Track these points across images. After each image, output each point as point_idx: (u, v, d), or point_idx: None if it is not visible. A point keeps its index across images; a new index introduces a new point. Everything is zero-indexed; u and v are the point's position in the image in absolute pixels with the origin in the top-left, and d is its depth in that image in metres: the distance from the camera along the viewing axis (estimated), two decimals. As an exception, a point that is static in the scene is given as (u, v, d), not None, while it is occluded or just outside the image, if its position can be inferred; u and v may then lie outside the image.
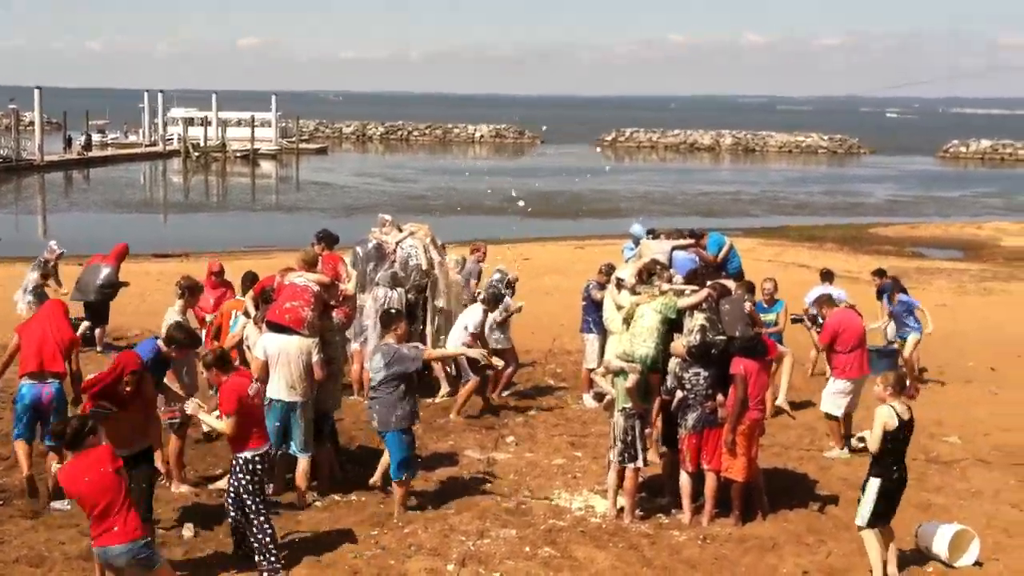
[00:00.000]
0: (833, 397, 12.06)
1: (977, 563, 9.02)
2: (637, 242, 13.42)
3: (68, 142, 70.83)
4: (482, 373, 12.99)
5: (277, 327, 9.91)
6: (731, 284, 10.55)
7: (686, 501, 9.80)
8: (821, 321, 12.67)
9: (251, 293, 11.22)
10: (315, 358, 9.84)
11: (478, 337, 12.99)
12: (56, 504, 9.64)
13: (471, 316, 13.24)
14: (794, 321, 14.43)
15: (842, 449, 11.86)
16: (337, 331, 10.71)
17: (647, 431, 9.85)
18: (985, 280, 26.59)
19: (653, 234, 12.61)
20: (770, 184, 65.47)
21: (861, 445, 9.62)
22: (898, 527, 9.66)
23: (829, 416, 12.09)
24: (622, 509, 9.84)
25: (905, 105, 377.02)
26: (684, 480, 9.79)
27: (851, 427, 12.06)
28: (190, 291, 10.70)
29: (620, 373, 9.66)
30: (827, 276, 15.79)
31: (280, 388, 9.77)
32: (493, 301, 13.34)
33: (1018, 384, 15.68)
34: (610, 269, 13.03)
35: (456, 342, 12.98)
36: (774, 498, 10.13)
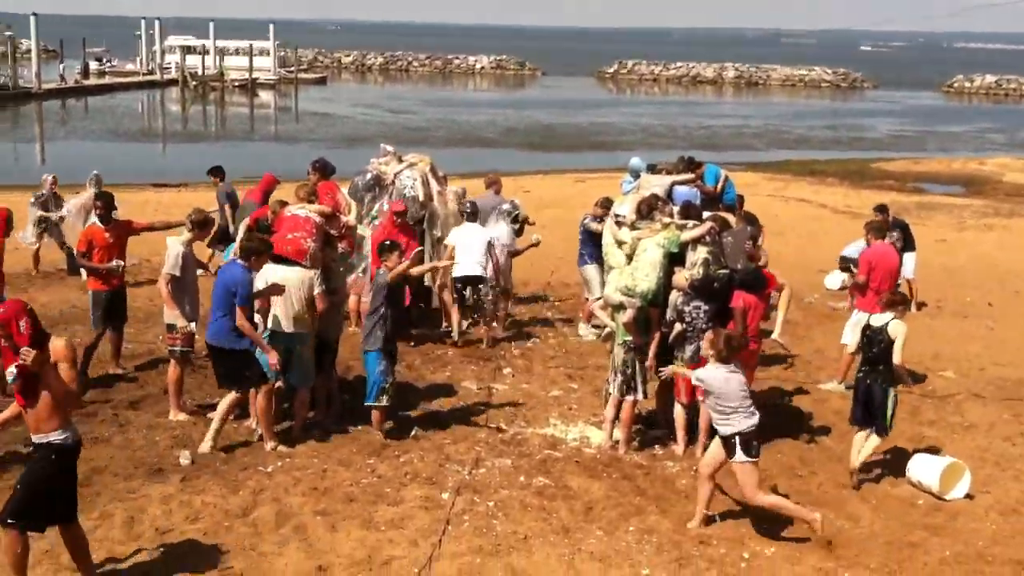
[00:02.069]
0: (854, 329, 11.91)
1: (968, 496, 9.11)
2: (636, 176, 13.34)
3: (85, 69, 70.68)
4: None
5: (279, 259, 9.88)
6: (731, 218, 10.51)
7: (680, 433, 9.87)
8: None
9: (246, 223, 11.16)
10: (316, 290, 9.81)
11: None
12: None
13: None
14: (843, 270, 14.50)
15: (839, 383, 11.88)
16: (341, 261, 10.71)
17: (647, 364, 9.87)
18: (986, 216, 26.53)
19: (653, 169, 12.51)
20: (773, 118, 65.03)
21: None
22: (891, 459, 9.76)
23: (845, 345, 11.93)
24: (617, 441, 9.91)
25: (909, 40, 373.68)
26: (679, 412, 9.85)
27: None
28: (199, 226, 10.48)
29: (620, 307, 9.66)
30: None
31: (281, 320, 9.76)
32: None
33: (1015, 319, 15.72)
34: (607, 203, 12.98)
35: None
36: (768, 431, 10.17)
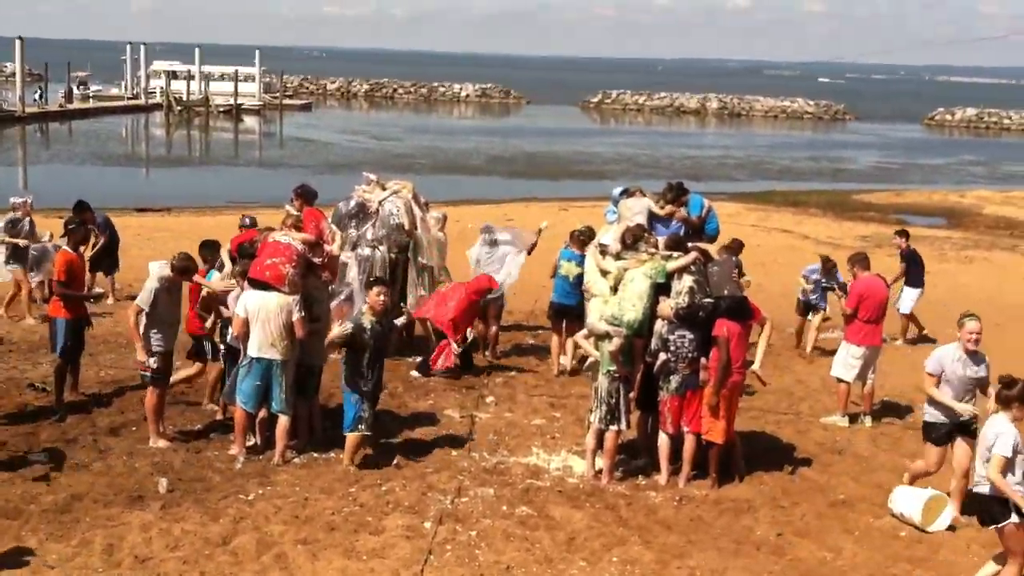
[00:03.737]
0: (845, 362, 11.93)
1: (950, 528, 9.12)
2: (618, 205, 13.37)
3: (68, 94, 70.40)
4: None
5: (258, 284, 9.87)
6: (711, 249, 10.54)
7: (664, 463, 9.85)
8: (848, 281, 12.70)
9: (227, 247, 11.14)
10: (295, 316, 9.79)
11: None
12: (34, 456, 9.63)
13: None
14: (825, 289, 14.72)
15: (842, 416, 11.89)
16: (323, 290, 10.69)
17: (630, 395, 9.86)
18: (966, 248, 26.69)
19: (627, 192, 12.52)
20: (755, 149, 65.41)
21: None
22: (872, 492, 9.77)
23: (840, 380, 11.97)
24: (600, 470, 9.89)
25: (890, 72, 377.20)
26: (663, 442, 9.83)
27: (873, 397, 12.11)
28: (179, 272, 10.19)
29: (605, 337, 9.65)
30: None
31: (260, 346, 9.73)
32: None
33: (995, 352, 15.65)
34: (581, 235, 12.98)
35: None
36: (750, 461, 10.20)
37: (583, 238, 12.83)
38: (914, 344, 16.13)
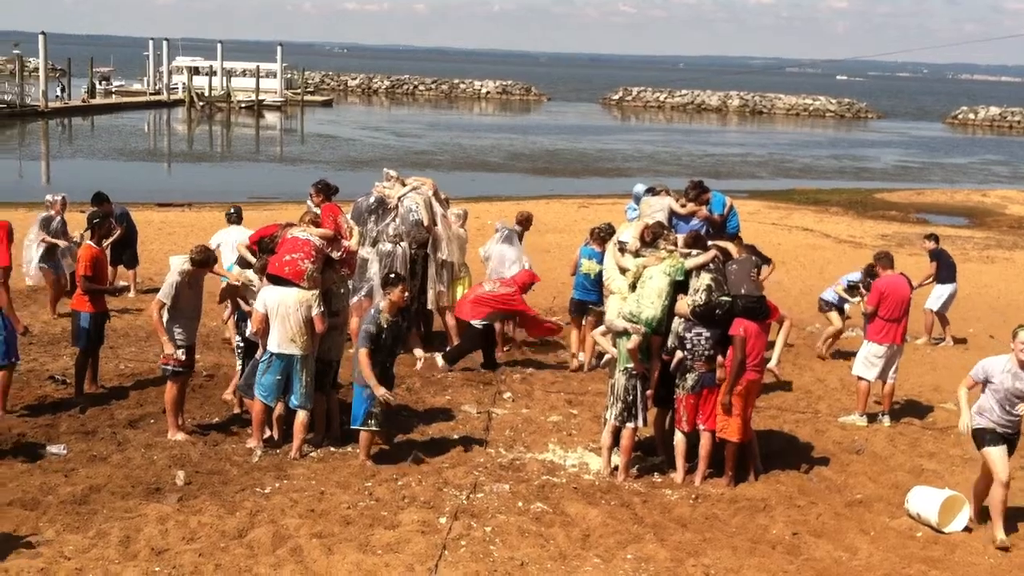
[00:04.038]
0: (866, 360, 11.89)
1: (967, 529, 9.07)
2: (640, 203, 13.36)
3: (91, 89, 70.97)
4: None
5: (276, 279, 9.91)
6: (731, 247, 10.50)
7: (679, 460, 9.84)
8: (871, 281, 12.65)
9: (247, 242, 11.18)
10: (315, 311, 9.81)
11: None
12: (52, 448, 9.70)
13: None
14: (850, 288, 14.59)
15: (861, 416, 11.83)
16: (342, 284, 10.73)
17: (647, 392, 9.85)
18: (989, 248, 26.51)
19: (652, 191, 12.53)
20: (777, 146, 65.17)
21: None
22: (889, 492, 9.73)
23: (860, 378, 11.93)
24: (616, 468, 9.88)
25: (914, 71, 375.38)
26: (679, 439, 9.81)
27: (892, 395, 12.05)
28: (197, 264, 10.24)
29: (623, 333, 9.64)
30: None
31: (280, 341, 9.77)
32: None
33: (1017, 352, 15.66)
34: (602, 232, 12.98)
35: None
36: (768, 460, 10.17)
37: (603, 235, 12.83)
38: (936, 344, 16.03)
